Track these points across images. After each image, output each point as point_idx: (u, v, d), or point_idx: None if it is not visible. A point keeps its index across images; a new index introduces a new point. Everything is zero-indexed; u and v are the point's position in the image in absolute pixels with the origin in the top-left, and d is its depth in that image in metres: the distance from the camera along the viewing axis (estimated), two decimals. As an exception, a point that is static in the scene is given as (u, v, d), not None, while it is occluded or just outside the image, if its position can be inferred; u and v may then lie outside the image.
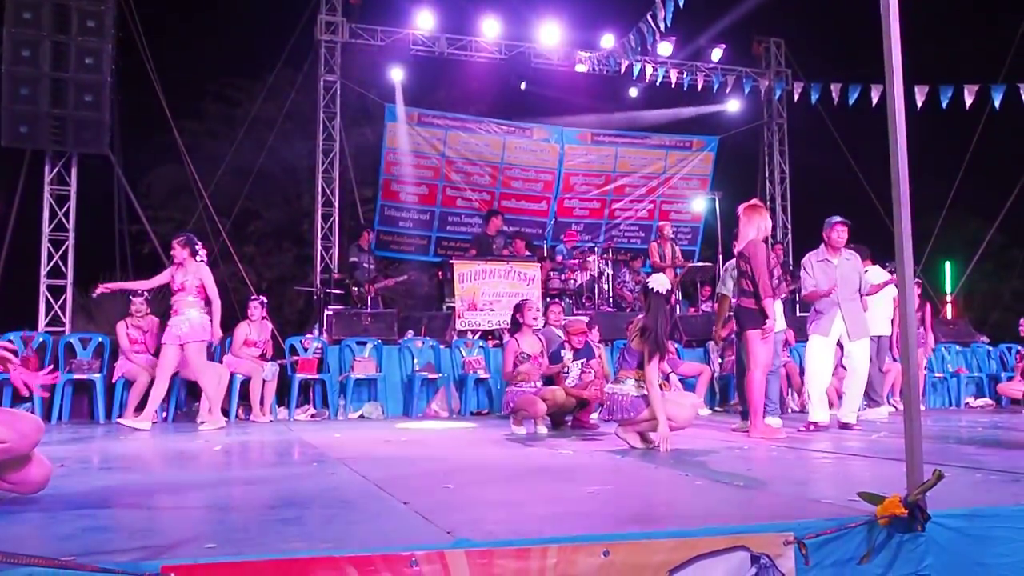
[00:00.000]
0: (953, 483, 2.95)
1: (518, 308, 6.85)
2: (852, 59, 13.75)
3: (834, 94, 10.02)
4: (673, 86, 12.40)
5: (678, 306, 11.15)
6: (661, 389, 4.97)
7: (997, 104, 9.42)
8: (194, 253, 7.14)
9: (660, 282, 5.06)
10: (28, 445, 2.71)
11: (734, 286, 6.15)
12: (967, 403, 10.29)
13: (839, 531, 2.39)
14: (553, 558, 2.08)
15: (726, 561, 2.21)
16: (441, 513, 2.62)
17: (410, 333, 9.51)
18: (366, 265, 10.64)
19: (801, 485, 3.48)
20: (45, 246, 10.06)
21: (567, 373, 6.62)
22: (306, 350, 8.70)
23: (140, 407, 7.71)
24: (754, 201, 6.10)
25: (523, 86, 13.04)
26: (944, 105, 9.13)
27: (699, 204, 13.98)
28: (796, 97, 10.78)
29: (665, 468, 3.99)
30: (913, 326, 2.60)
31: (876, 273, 7.61)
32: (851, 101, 9.57)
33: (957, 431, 6.53)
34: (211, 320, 7.10)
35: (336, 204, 12.19)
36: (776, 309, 5.89)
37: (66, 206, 10.11)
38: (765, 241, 5.93)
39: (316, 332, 9.51)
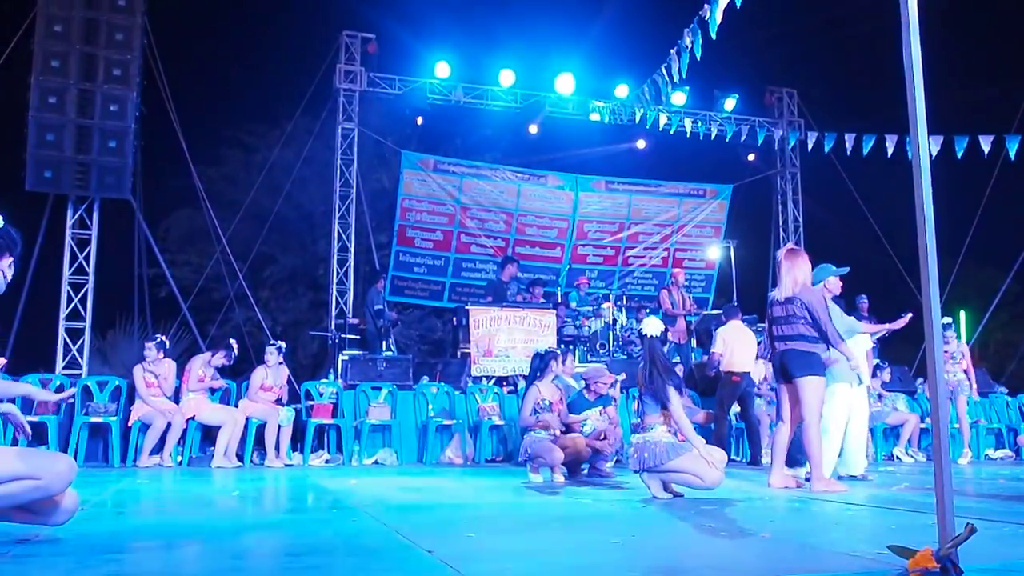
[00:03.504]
0: (981, 536, 2.91)
1: (548, 356, 6.81)
2: (864, 109, 13.89)
3: (848, 144, 10.09)
4: (687, 135, 12.52)
5: (692, 354, 11.11)
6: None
7: (1012, 154, 9.45)
8: None
9: (652, 326, 5.07)
10: (61, 485, 2.73)
11: (769, 332, 5.92)
12: (987, 454, 10.16)
13: (871, 585, 2.36)
14: (584, 609, 2.07)
15: (758, 614, 2.19)
16: (467, 562, 2.60)
17: (425, 379, 9.50)
18: (389, 311, 10.71)
19: (827, 537, 3.43)
20: (65, 289, 10.17)
21: (584, 423, 6.59)
22: (321, 395, 8.70)
23: (156, 450, 7.75)
24: (791, 245, 6.06)
25: (534, 129, 13.18)
26: (960, 155, 9.18)
27: (713, 252, 14.02)
28: (810, 147, 10.86)
29: (688, 519, 3.95)
30: (942, 377, 2.59)
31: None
32: (865, 151, 9.63)
33: (979, 483, 6.44)
34: None
35: (352, 249, 12.29)
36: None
37: (87, 250, 10.24)
38: None
39: (331, 377, 9.51)
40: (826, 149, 10.63)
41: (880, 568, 2.45)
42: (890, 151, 9.42)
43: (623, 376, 7.62)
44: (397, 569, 2.59)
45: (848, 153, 10.74)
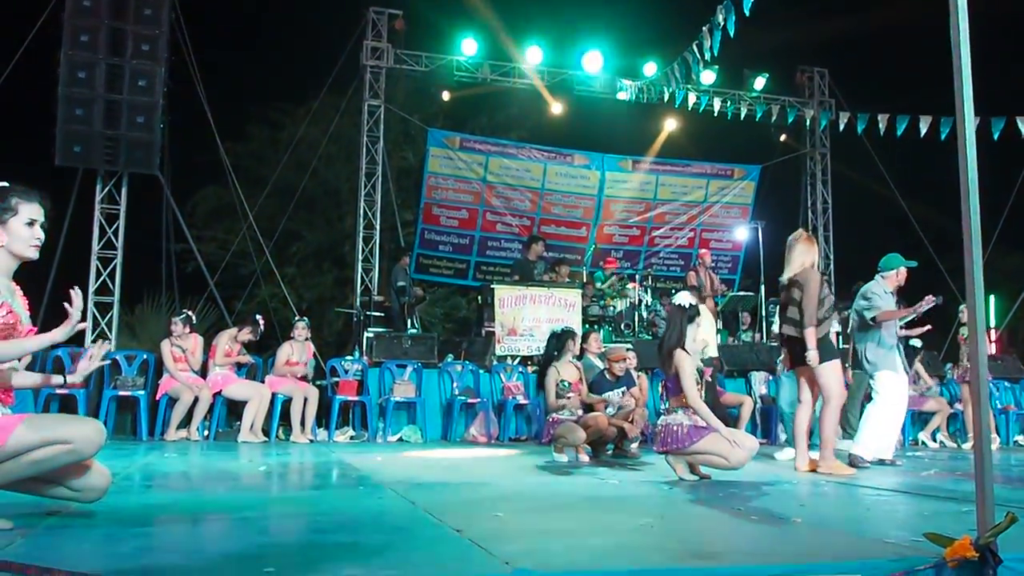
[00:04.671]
0: (1020, 525, 2.85)
1: (565, 336, 6.73)
2: (897, 89, 13.62)
3: (880, 124, 9.91)
4: (716, 114, 12.36)
5: (719, 336, 11.01)
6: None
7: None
8: None
9: (683, 298, 5.03)
10: (92, 448, 2.75)
11: (782, 316, 5.98)
12: (1016, 441, 10.01)
13: (907, 574, 2.32)
14: (616, 593, 2.05)
15: (793, 601, 2.15)
16: (495, 542, 2.58)
17: (450, 357, 9.51)
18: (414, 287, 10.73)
19: (860, 523, 3.39)
20: (94, 263, 10.26)
21: (608, 405, 6.56)
22: (346, 372, 8.74)
23: (183, 424, 7.82)
24: (800, 230, 6.03)
25: (558, 107, 13.00)
26: (996, 137, 9.00)
27: (740, 233, 13.87)
28: (842, 127, 10.67)
29: (716, 502, 3.92)
30: (984, 362, 2.53)
31: None
32: (899, 132, 9.46)
33: (1008, 469, 6.35)
34: None
35: (377, 227, 12.29)
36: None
37: (115, 224, 10.31)
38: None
39: (356, 354, 9.54)
40: (859, 130, 10.45)
41: (916, 556, 2.40)
42: (923, 132, 9.24)
43: (633, 357, 7.54)
44: (427, 549, 2.58)
45: (881, 134, 10.56)
